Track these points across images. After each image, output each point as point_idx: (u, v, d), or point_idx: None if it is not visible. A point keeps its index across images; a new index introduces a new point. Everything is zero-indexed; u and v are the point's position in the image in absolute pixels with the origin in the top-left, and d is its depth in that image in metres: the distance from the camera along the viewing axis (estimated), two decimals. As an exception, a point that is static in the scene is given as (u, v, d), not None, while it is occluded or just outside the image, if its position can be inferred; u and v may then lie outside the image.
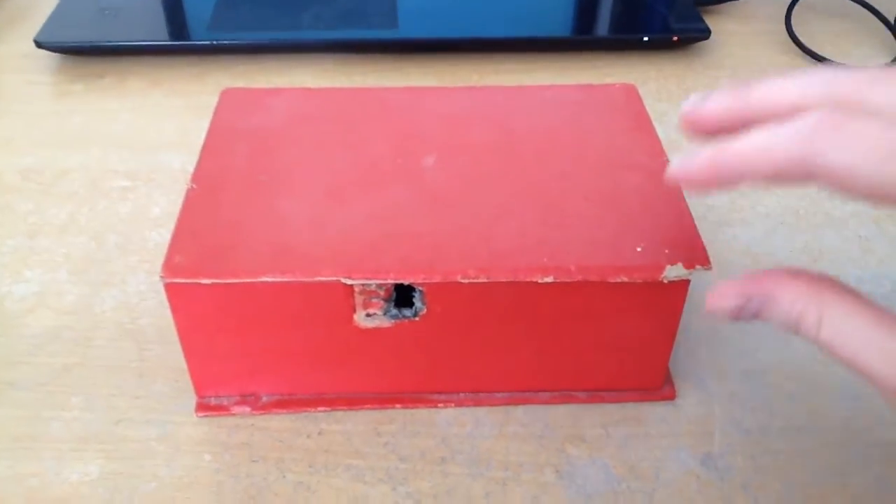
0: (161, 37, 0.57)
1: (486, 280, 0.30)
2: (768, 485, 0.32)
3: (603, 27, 0.60)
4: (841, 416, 0.35)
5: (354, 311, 0.31)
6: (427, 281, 0.30)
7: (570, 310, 0.32)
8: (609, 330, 0.33)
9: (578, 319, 0.33)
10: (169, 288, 0.31)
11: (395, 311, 0.32)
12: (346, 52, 0.58)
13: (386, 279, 0.30)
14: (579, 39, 0.59)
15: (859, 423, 0.35)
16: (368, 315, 0.32)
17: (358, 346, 0.33)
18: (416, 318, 0.32)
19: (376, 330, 0.32)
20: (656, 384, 0.35)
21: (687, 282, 0.31)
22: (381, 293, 0.31)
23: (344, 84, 0.55)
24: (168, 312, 0.38)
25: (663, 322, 0.33)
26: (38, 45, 0.55)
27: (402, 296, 0.31)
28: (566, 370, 0.35)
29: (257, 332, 0.32)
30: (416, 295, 0.31)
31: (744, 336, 0.38)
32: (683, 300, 0.32)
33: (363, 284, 0.30)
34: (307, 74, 0.56)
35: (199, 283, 0.30)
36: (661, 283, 0.31)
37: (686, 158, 0.26)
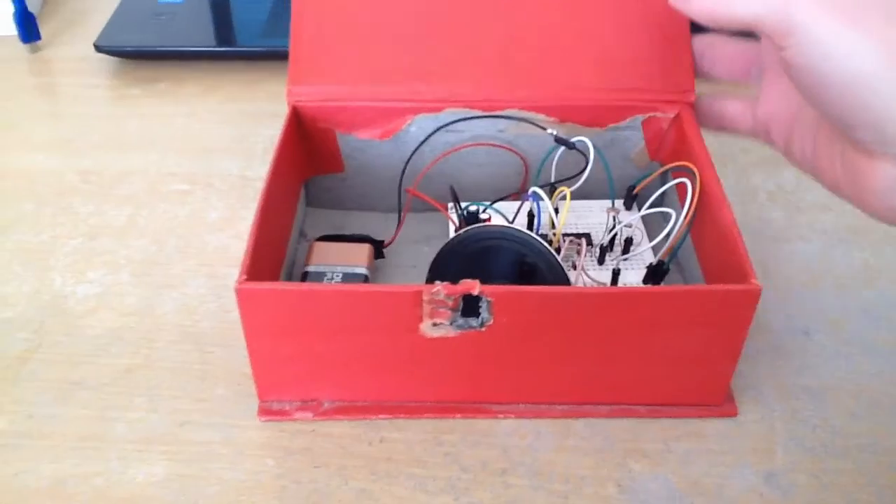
0: (215, 43, 0.58)
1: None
2: (833, 505, 0.32)
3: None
4: (906, 437, 0.34)
5: (421, 319, 0.32)
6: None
7: (634, 321, 0.32)
8: (673, 343, 0.33)
9: (642, 331, 0.32)
10: (240, 293, 0.31)
11: (461, 321, 0.32)
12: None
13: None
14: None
15: (924, 445, 0.34)
16: (435, 324, 0.32)
17: (422, 354, 0.33)
18: (482, 329, 0.32)
19: (441, 339, 0.32)
20: (718, 400, 0.35)
21: (756, 295, 0.31)
22: (449, 303, 0.31)
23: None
24: (228, 316, 0.39)
25: (729, 336, 0.33)
26: (98, 48, 0.56)
27: (469, 305, 0.32)
28: (627, 383, 0.34)
29: (322, 338, 0.33)
30: (483, 305, 0.31)
31: (805, 352, 0.38)
32: (752, 314, 0.32)
33: (432, 294, 0.31)
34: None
35: (271, 289, 0.31)
36: (731, 293, 0.31)
37: None
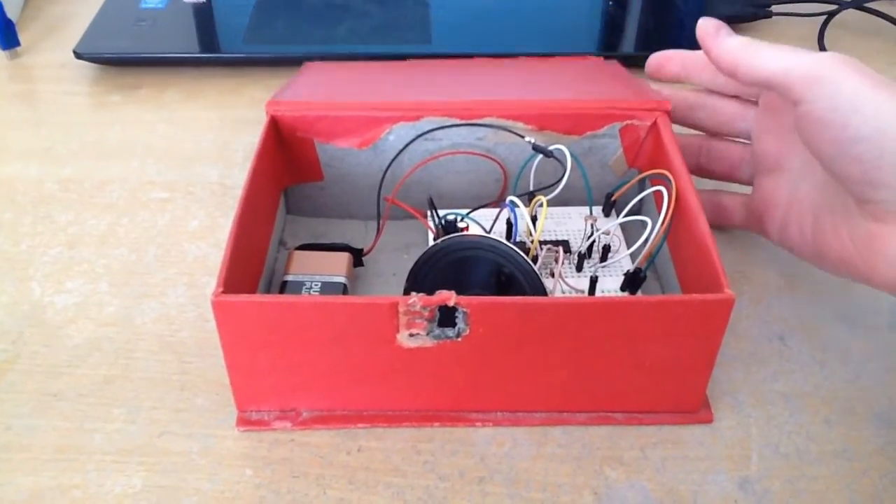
0: (197, 49, 0.58)
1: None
2: (807, 511, 0.32)
3: (634, 45, 0.60)
4: (878, 443, 0.35)
5: (398, 330, 0.32)
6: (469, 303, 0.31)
7: (611, 331, 0.32)
8: (649, 351, 0.33)
9: (619, 341, 0.33)
10: (217, 305, 0.31)
11: (438, 331, 0.32)
12: (379, 66, 0.58)
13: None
14: (609, 56, 0.59)
15: (897, 450, 0.35)
16: (412, 335, 0.32)
17: (399, 364, 0.33)
18: (459, 339, 0.32)
19: (418, 349, 0.32)
20: (694, 407, 0.35)
21: (730, 305, 0.32)
22: (425, 313, 0.31)
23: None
24: (208, 325, 0.39)
25: (704, 344, 0.33)
26: (77, 55, 0.55)
27: (445, 316, 0.32)
28: (604, 391, 0.35)
29: (300, 349, 0.33)
30: (459, 315, 0.32)
31: (780, 358, 0.38)
32: (726, 323, 0.32)
33: (408, 305, 0.31)
34: (341, 88, 0.56)
35: (247, 301, 0.31)
36: (705, 303, 0.31)
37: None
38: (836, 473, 0.34)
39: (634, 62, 0.58)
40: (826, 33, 0.60)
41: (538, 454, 0.34)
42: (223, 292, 0.31)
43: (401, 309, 0.31)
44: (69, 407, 0.36)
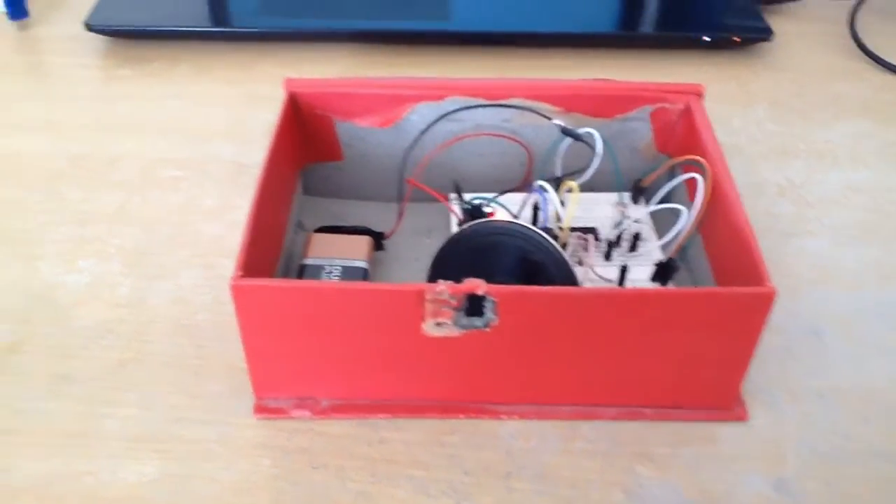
0: (209, 23, 0.56)
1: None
2: (844, 513, 0.31)
3: (660, 24, 0.58)
4: (918, 443, 0.34)
5: (424, 319, 0.31)
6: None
7: (645, 324, 0.31)
8: (683, 346, 0.32)
9: (652, 334, 0.31)
10: (236, 289, 0.30)
11: (465, 321, 0.31)
12: (396, 44, 0.57)
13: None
14: (635, 36, 0.57)
15: (937, 451, 0.33)
16: (438, 324, 0.31)
17: (424, 353, 0.32)
18: (487, 329, 0.31)
19: (444, 338, 0.31)
20: (728, 404, 0.34)
21: (771, 298, 0.30)
22: (453, 302, 0.30)
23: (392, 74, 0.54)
24: (224, 308, 0.37)
25: (741, 340, 0.32)
26: (88, 27, 0.54)
27: (473, 305, 0.30)
28: (635, 385, 0.33)
29: (321, 336, 0.32)
30: (488, 305, 0.30)
31: (816, 353, 0.37)
32: (765, 318, 0.31)
33: (436, 293, 0.30)
34: (355, 64, 0.55)
35: (269, 286, 0.30)
36: (745, 296, 0.30)
37: None
38: (874, 474, 0.33)
39: (655, 42, 0.57)
40: (857, 16, 0.59)
41: (566, 449, 0.33)
42: (242, 276, 0.30)
43: (428, 297, 0.30)
44: (81, 391, 0.35)
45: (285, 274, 0.38)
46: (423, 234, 0.41)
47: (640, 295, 0.31)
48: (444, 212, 0.40)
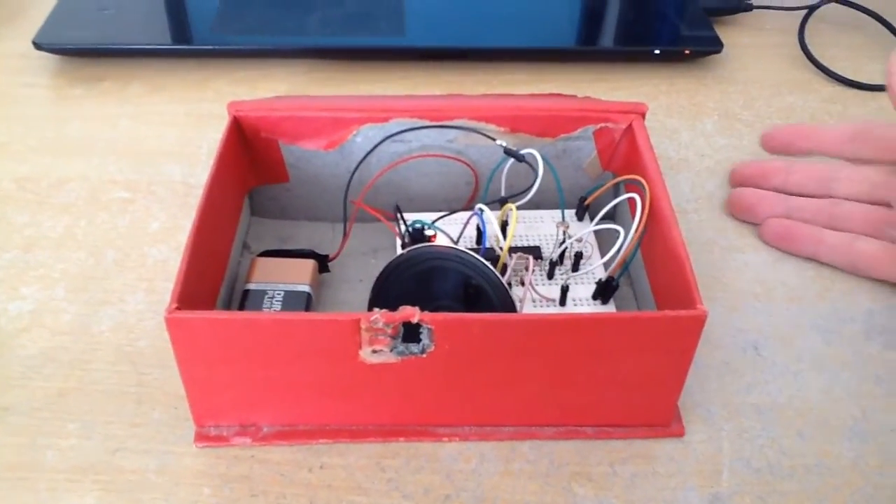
0: (163, 40, 0.56)
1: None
2: (778, 528, 0.32)
3: (613, 38, 0.59)
4: (850, 457, 0.34)
5: (360, 347, 0.31)
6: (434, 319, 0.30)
7: (580, 346, 0.31)
8: (619, 367, 0.32)
9: (588, 356, 0.32)
10: (170, 322, 0.30)
11: (401, 348, 0.31)
12: (352, 59, 0.57)
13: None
14: (588, 50, 0.58)
15: (869, 464, 0.34)
16: (375, 351, 0.31)
17: (362, 379, 0.32)
18: (423, 355, 0.31)
19: (382, 365, 0.31)
20: (665, 421, 0.35)
21: (702, 321, 0.31)
22: (389, 330, 0.30)
23: (349, 91, 0.54)
24: (167, 335, 0.37)
25: (676, 359, 0.32)
26: (37, 46, 0.53)
27: (410, 332, 0.31)
28: (574, 405, 0.34)
29: (260, 365, 0.32)
30: (424, 332, 0.30)
31: (754, 368, 0.37)
32: (697, 338, 0.31)
33: (370, 322, 0.30)
34: (311, 80, 0.55)
35: (204, 318, 0.30)
36: (677, 319, 0.30)
37: None
38: (808, 489, 0.33)
39: (608, 56, 0.57)
40: (807, 27, 0.59)
41: (506, 470, 0.33)
42: (177, 308, 0.30)
43: (363, 326, 0.30)
44: (21, 422, 0.34)
45: (230, 297, 0.38)
46: (370, 254, 0.41)
47: (573, 320, 0.31)
48: (391, 232, 0.41)
